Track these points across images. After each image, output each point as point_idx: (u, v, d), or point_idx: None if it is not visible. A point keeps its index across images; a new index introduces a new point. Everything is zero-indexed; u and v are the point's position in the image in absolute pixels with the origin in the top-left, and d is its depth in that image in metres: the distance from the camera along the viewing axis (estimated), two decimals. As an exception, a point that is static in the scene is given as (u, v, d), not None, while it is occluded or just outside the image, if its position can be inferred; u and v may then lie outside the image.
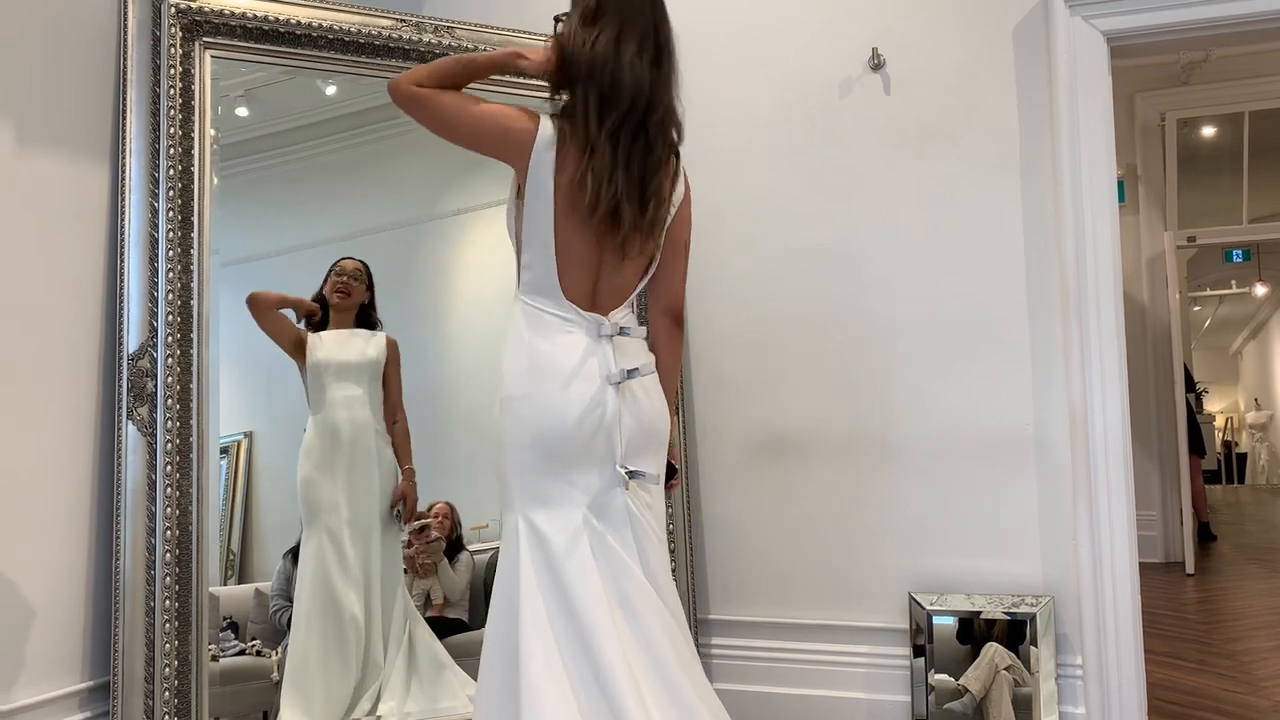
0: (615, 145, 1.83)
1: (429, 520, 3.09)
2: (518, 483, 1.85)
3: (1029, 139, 2.81)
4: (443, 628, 3.04)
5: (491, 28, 2.95)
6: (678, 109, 1.93)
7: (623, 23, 1.85)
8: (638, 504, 1.86)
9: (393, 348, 3.08)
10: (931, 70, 2.91)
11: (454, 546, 3.17)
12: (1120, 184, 5.40)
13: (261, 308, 2.90)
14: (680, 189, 1.99)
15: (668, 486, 2.06)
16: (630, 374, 1.86)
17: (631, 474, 1.84)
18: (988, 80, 2.86)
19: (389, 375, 3.07)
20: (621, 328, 1.90)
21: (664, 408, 1.97)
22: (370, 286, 3.09)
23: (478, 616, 3.12)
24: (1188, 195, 6.23)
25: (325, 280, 3.05)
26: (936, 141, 2.90)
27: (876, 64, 2.95)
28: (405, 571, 3.06)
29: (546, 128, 1.84)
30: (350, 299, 3.04)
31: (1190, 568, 5.54)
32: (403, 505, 3.02)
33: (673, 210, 1.98)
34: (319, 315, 3.02)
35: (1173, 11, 2.66)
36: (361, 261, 3.08)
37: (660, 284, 2.03)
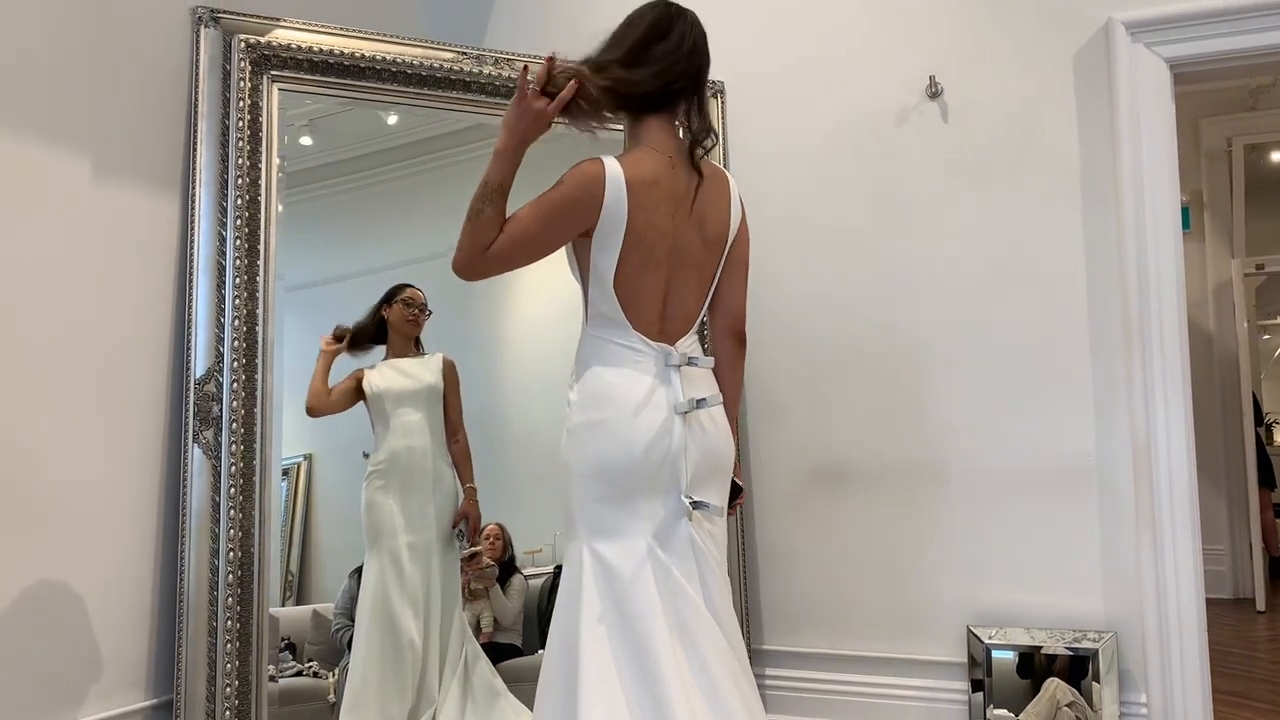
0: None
1: (480, 547, 3.12)
2: (583, 512, 1.85)
3: (1090, 166, 2.78)
4: (495, 652, 3.05)
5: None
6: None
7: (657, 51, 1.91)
8: (701, 534, 1.85)
9: (450, 369, 3.13)
10: (990, 98, 2.89)
11: (506, 569, 3.18)
12: (1185, 211, 5.28)
13: (324, 409, 2.97)
14: (737, 210, 2.01)
15: (734, 504, 2.05)
16: (699, 404, 1.86)
17: (696, 504, 1.83)
18: (1047, 107, 2.83)
19: (448, 396, 3.11)
20: (690, 358, 1.91)
21: (729, 438, 1.96)
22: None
23: (531, 641, 3.13)
24: (1256, 222, 6.08)
25: (388, 303, 3.10)
26: (995, 169, 2.88)
27: (934, 92, 2.94)
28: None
29: (614, 171, 1.82)
30: (417, 328, 3.11)
31: (1261, 604, 5.37)
32: (465, 524, 3.06)
33: (732, 231, 2.00)
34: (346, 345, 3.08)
35: (1237, 38, 2.62)
36: (421, 290, 3.14)
37: (722, 304, 2.04)
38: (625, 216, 1.81)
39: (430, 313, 3.14)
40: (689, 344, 1.94)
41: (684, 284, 1.92)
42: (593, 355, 1.89)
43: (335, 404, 2.99)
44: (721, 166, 2.06)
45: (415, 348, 3.13)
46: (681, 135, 1.97)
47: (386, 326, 3.10)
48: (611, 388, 1.85)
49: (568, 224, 1.84)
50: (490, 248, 1.79)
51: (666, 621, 1.75)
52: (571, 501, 1.86)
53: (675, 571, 1.80)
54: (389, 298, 3.11)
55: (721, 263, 2.00)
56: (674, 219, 1.88)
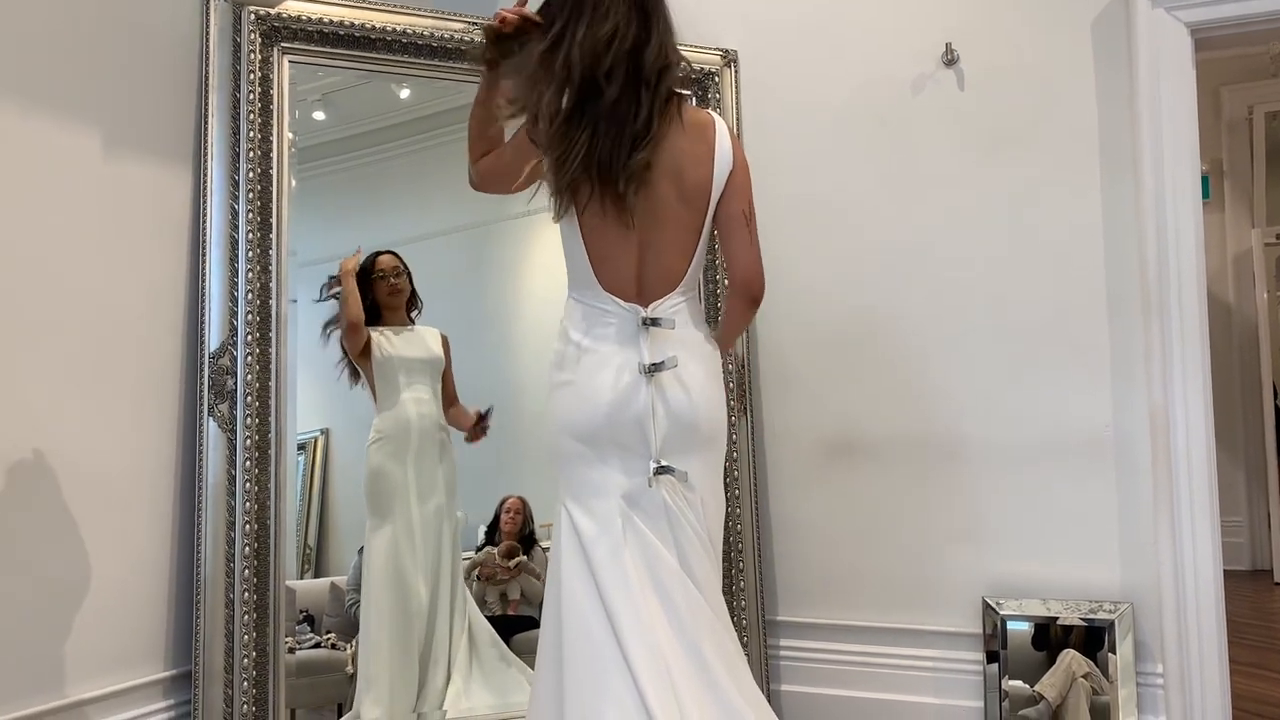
0: (577, 128, 1.79)
1: (521, 559, 3.16)
2: (559, 469, 1.89)
3: (1108, 134, 2.74)
4: (514, 625, 3.07)
5: (562, 29, 2.96)
6: (662, 66, 1.83)
7: (570, 11, 1.81)
8: (675, 498, 1.83)
9: (446, 344, 3.13)
10: (1007, 65, 2.86)
11: (527, 543, 3.20)
12: (1205, 180, 5.24)
13: (360, 334, 2.94)
14: (725, 159, 1.89)
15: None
16: (656, 367, 1.82)
17: (660, 470, 1.81)
18: (1065, 75, 2.79)
19: (446, 370, 3.12)
20: (656, 318, 1.85)
21: (707, 405, 1.88)
22: (410, 275, 3.12)
23: (547, 613, 3.15)
24: (1276, 191, 6.01)
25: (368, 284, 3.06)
26: (1012, 138, 2.84)
27: (950, 59, 2.90)
28: (479, 579, 3.11)
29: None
30: (401, 296, 3.08)
31: (1279, 576, 5.37)
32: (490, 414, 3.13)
33: (717, 182, 1.89)
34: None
35: (1259, 1, 2.57)
36: (394, 253, 3.11)
37: (729, 263, 1.95)
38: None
39: (403, 277, 3.08)
40: (666, 305, 1.88)
41: (660, 241, 1.87)
42: (566, 316, 1.93)
43: (360, 340, 2.96)
44: (712, 113, 1.98)
45: (409, 314, 3.10)
46: None
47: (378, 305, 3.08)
48: (578, 349, 1.86)
49: (522, 169, 1.97)
50: (472, 168, 2.04)
51: (640, 581, 1.75)
52: (553, 461, 1.90)
53: (649, 533, 1.80)
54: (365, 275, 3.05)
55: (708, 217, 1.91)
56: None
